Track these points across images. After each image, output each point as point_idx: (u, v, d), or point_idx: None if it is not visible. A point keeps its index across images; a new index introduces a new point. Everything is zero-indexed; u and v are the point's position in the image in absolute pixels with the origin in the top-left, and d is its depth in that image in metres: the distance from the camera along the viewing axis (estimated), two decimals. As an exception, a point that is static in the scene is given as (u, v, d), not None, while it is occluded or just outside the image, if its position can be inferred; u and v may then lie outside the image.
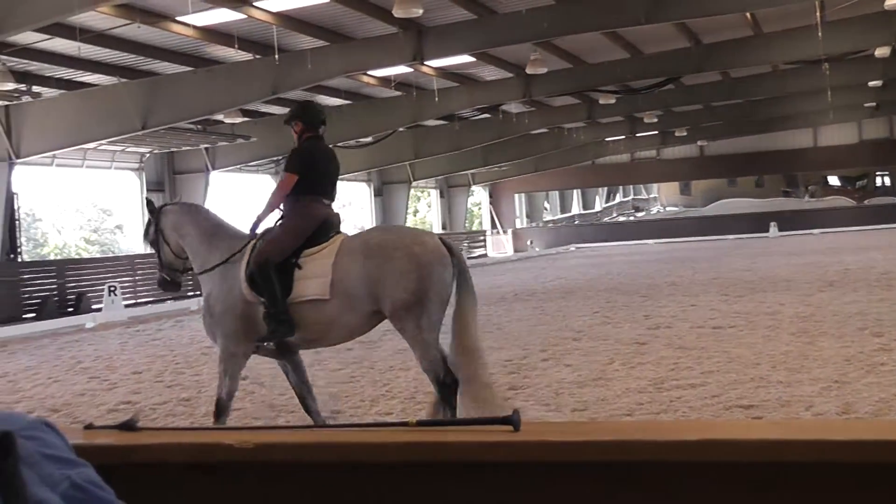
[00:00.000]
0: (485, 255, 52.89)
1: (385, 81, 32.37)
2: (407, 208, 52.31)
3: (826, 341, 12.24)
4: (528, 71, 29.60)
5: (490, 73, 33.62)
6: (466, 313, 7.57)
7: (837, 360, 10.66)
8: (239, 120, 32.09)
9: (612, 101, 38.94)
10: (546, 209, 71.40)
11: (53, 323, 22.48)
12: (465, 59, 29.94)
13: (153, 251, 9.10)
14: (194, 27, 23.15)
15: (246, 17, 22.81)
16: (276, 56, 23.92)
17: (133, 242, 42.74)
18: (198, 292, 22.67)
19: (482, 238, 57.19)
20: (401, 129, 38.50)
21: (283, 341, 8.11)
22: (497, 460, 1.99)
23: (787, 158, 58.93)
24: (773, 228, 52.42)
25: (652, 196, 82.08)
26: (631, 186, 79.49)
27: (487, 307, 20.60)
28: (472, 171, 54.28)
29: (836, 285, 20.33)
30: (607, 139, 54.56)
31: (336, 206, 8.65)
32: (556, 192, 71.21)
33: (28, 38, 22.11)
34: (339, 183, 8.85)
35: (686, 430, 2.08)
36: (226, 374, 8.22)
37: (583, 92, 38.42)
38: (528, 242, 55.98)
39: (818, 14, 25.55)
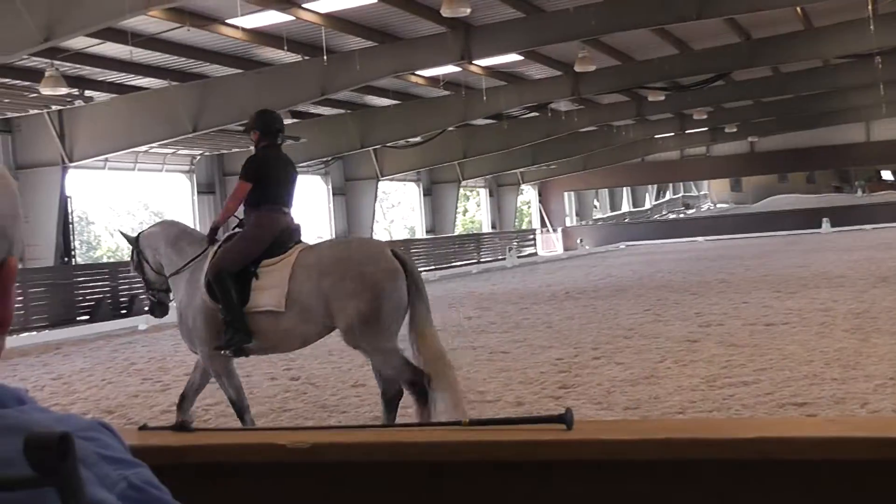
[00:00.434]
0: (535, 254, 52.74)
1: (433, 81, 32.35)
2: (456, 208, 52.34)
3: (880, 338, 12.11)
4: (577, 69, 29.42)
5: (538, 71, 33.53)
6: (420, 323, 7.65)
7: (892, 357, 10.55)
8: (288, 121, 32.18)
9: (662, 97, 38.61)
10: (596, 207, 71.10)
11: (107, 325, 22.65)
12: (513, 57, 29.88)
13: (139, 278, 9.24)
14: (243, 29, 23.31)
15: (294, 18, 22.91)
16: (325, 57, 23.98)
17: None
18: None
19: (532, 237, 57.02)
20: (449, 128, 38.50)
21: (240, 347, 8.18)
22: (550, 459, 2.00)
23: (839, 154, 58.01)
24: (826, 224, 51.78)
25: (702, 193, 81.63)
26: (681, 183, 78.88)
27: (538, 306, 20.61)
28: (521, 169, 54.11)
29: (889, 281, 20.10)
30: (657, 136, 54.21)
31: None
32: (606, 190, 70.97)
33: (80, 42, 22.32)
34: (295, 191, 8.96)
35: (739, 428, 2.07)
36: (220, 375, 8.31)
37: (631, 89, 38.15)
38: (578, 241, 55.71)
39: (870, 7, 25.23)
